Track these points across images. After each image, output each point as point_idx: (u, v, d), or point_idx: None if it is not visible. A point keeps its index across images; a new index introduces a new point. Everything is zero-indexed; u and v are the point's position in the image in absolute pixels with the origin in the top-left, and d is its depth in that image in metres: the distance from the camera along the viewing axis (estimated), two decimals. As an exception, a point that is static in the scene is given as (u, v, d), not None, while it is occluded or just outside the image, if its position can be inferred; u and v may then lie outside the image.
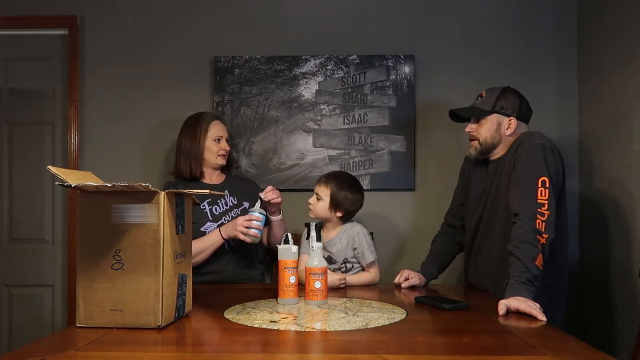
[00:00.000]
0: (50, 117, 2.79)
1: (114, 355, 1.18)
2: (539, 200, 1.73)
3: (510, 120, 1.98)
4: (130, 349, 1.22)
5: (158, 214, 1.36)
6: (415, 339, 1.32)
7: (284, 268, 1.70)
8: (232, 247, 2.19)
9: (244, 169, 2.70)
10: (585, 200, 2.60)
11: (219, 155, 2.31)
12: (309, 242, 1.80)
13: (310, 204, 2.17)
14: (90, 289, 1.38)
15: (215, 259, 2.20)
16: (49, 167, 1.35)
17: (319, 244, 1.73)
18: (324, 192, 2.13)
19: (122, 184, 1.33)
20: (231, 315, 1.53)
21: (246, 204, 2.31)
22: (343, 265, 2.16)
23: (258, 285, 2.25)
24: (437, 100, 2.70)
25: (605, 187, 2.42)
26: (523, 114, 2.00)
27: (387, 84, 2.69)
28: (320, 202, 2.13)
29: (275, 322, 1.45)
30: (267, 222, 2.29)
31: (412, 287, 2.04)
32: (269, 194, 2.12)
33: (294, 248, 1.72)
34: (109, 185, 1.32)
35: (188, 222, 1.53)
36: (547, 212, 1.72)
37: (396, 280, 2.07)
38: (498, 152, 2.02)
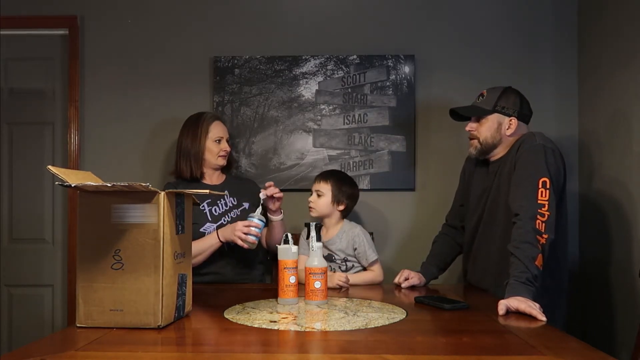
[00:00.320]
0: (50, 117, 2.79)
1: (114, 355, 1.18)
2: (539, 201, 1.73)
3: (510, 120, 1.98)
4: (130, 349, 1.22)
5: (158, 214, 1.36)
6: (415, 339, 1.32)
7: (284, 268, 1.70)
8: (232, 248, 2.19)
9: (244, 169, 2.70)
10: (585, 200, 2.60)
11: (219, 156, 2.31)
12: (308, 242, 1.80)
13: (310, 202, 2.18)
14: (90, 289, 1.38)
15: (215, 260, 2.20)
16: (49, 167, 1.35)
17: (319, 244, 1.74)
18: (325, 187, 2.17)
19: (122, 184, 1.33)
20: (231, 315, 1.53)
21: (246, 205, 2.31)
22: (343, 263, 2.16)
23: (258, 285, 2.25)
24: (437, 100, 2.70)
25: (605, 187, 2.42)
26: (524, 114, 2.00)
27: (387, 84, 2.69)
28: (322, 198, 2.16)
29: (275, 322, 1.45)
30: (267, 223, 2.29)
31: (412, 287, 2.04)
32: (271, 188, 2.12)
33: (294, 248, 1.72)
34: (109, 185, 1.32)
35: (188, 222, 1.53)
36: (547, 213, 1.72)
37: (396, 280, 2.07)
38: (499, 153, 2.02)
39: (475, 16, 2.72)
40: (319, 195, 2.18)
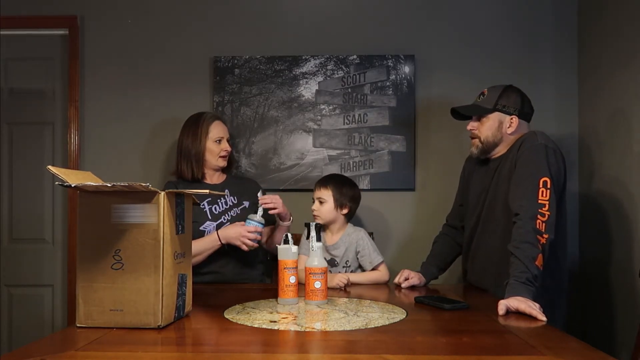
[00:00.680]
0: (50, 117, 2.79)
1: (114, 355, 1.18)
2: (539, 201, 1.73)
3: (511, 118, 1.98)
4: (130, 349, 1.22)
5: (158, 214, 1.36)
6: (415, 339, 1.32)
7: (284, 268, 1.70)
8: (232, 247, 2.19)
9: (244, 169, 2.70)
10: (585, 200, 2.60)
11: (220, 157, 2.31)
12: (308, 242, 1.80)
13: (314, 210, 2.18)
14: (90, 289, 1.38)
15: (215, 259, 2.20)
16: (49, 167, 1.35)
17: (319, 244, 1.74)
18: (326, 194, 2.17)
19: (122, 184, 1.33)
20: (231, 315, 1.53)
21: (246, 203, 2.31)
22: (346, 268, 2.17)
23: (258, 285, 2.25)
24: (437, 100, 2.70)
25: (606, 187, 2.42)
26: (525, 112, 2.00)
27: (387, 84, 2.69)
28: (325, 205, 2.17)
29: (275, 322, 1.45)
30: (271, 223, 2.30)
31: (412, 287, 2.03)
32: (265, 201, 2.13)
33: (294, 248, 1.72)
34: (109, 185, 1.32)
35: (188, 222, 1.52)
36: (548, 213, 1.71)
37: (396, 280, 2.07)
38: (499, 151, 2.02)
39: (475, 16, 2.72)
40: (321, 203, 2.18)
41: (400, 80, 2.69)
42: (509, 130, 1.98)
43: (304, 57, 2.71)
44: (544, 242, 1.68)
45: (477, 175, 2.11)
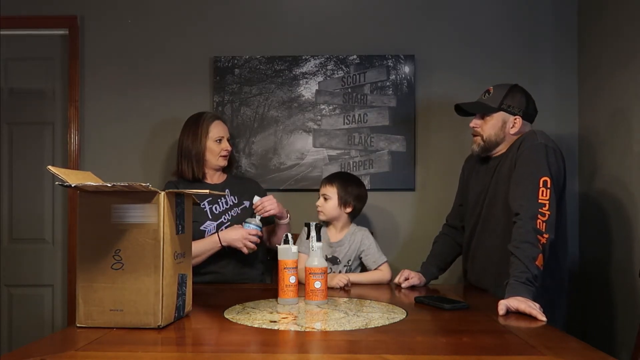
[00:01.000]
0: (50, 117, 2.79)
1: (114, 355, 1.18)
2: (540, 200, 1.73)
3: (515, 119, 1.97)
4: (130, 349, 1.22)
5: (158, 214, 1.36)
6: (415, 339, 1.32)
7: (284, 268, 1.70)
8: (232, 248, 2.19)
9: (244, 169, 2.70)
10: (585, 200, 2.60)
11: (220, 156, 2.31)
12: (309, 242, 1.80)
13: (318, 206, 2.19)
14: (90, 289, 1.38)
15: (215, 259, 2.20)
16: (49, 167, 1.35)
17: (319, 244, 1.74)
18: (331, 190, 2.18)
19: (122, 184, 1.33)
20: (231, 315, 1.53)
21: (246, 203, 2.31)
22: (347, 266, 2.17)
23: (258, 285, 2.25)
24: (437, 100, 2.69)
25: (606, 186, 2.42)
26: (529, 114, 2.00)
27: (387, 84, 2.69)
28: (329, 202, 2.17)
29: (275, 322, 1.45)
30: (270, 222, 2.30)
31: (412, 287, 2.03)
32: (259, 209, 2.14)
33: (294, 248, 1.72)
34: (109, 185, 1.32)
35: (188, 222, 1.52)
36: (548, 213, 1.71)
37: (396, 280, 2.07)
38: (499, 150, 2.02)
39: (475, 16, 2.72)
40: (325, 199, 2.19)
41: (400, 80, 2.69)
42: (512, 131, 1.98)
43: (304, 57, 2.71)
44: (544, 242, 1.68)
45: (476, 175, 2.11)
